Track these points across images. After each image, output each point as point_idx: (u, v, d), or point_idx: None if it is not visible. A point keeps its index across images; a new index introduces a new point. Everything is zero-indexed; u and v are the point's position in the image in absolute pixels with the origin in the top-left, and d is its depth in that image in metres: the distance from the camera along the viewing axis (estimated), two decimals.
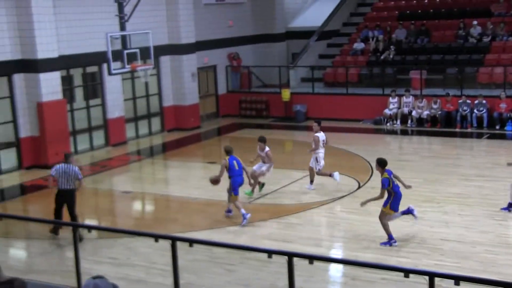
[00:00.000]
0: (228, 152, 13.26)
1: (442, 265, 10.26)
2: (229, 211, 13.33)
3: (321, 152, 14.99)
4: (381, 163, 11.58)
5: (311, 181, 15.09)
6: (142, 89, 22.31)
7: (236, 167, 12.99)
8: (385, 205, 11.43)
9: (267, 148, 14.60)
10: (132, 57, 17.42)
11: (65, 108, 18.94)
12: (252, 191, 14.52)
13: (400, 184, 11.66)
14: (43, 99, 18.12)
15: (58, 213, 12.29)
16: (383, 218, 11.45)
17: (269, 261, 7.14)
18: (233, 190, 12.98)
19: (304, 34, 27.99)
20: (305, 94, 24.66)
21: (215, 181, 13.27)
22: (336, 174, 15.00)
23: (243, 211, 12.73)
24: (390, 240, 11.35)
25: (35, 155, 18.40)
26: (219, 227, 12.83)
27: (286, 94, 24.50)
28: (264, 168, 14.64)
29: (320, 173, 15.04)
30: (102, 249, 11.74)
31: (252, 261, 10.26)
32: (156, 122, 23.16)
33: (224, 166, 13.02)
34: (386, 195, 11.45)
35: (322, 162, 14.97)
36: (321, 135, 15.05)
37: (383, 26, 26.58)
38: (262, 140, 14.68)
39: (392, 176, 11.49)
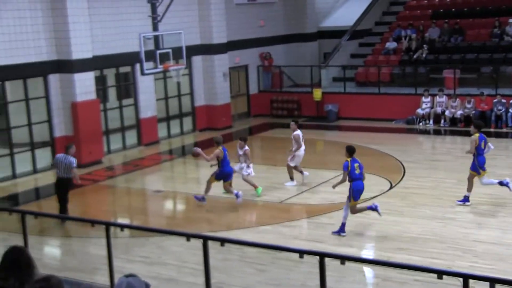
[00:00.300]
0: (218, 143, 14.16)
1: (476, 267, 10.11)
2: (202, 198, 14.19)
3: (302, 149, 15.39)
4: (349, 150, 12.23)
5: (291, 178, 15.50)
6: (174, 89, 22.47)
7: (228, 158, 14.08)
8: (349, 198, 12.05)
9: (246, 147, 14.86)
10: (164, 57, 17.53)
11: (98, 108, 19.18)
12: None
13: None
14: (77, 99, 18.37)
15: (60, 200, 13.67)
16: (354, 210, 12.12)
17: (300, 261, 7.13)
18: (222, 178, 14.07)
19: (336, 33, 27.87)
20: (336, 94, 24.55)
21: (196, 154, 14.42)
22: (306, 173, 15.54)
23: (235, 192, 13.98)
24: (341, 232, 11.99)
25: None
26: (250, 227, 12.86)
27: (317, 93, 24.43)
28: (249, 170, 14.85)
29: (296, 169, 15.44)
30: (134, 247, 11.85)
31: (283, 261, 10.25)
32: (188, 122, 23.31)
33: (216, 155, 13.90)
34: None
35: (297, 160, 15.39)
36: (300, 133, 15.49)
37: (416, 25, 26.32)
38: (244, 139, 15.09)
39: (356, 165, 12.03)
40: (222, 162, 13.96)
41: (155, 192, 16.12)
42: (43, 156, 18.46)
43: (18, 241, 8.65)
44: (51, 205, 15.59)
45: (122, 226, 10.51)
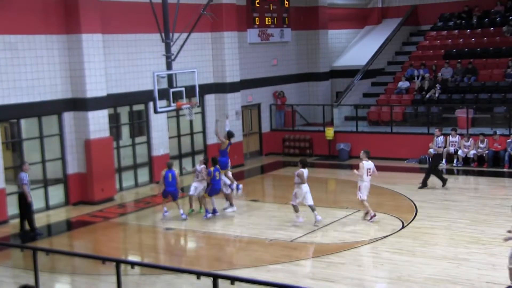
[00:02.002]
0: (169, 166, 16.77)
1: None
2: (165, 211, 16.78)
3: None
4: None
5: (231, 204, 17.03)
6: (187, 127, 22.62)
7: (170, 179, 16.49)
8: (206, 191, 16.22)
9: (203, 165, 16.71)
10: (177, 96, 17.70)
11: (111, 145, 19.32)
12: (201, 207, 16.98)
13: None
14: (90, 136, 18.55)
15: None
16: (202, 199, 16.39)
17: None
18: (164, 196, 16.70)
19: (349, 72, 28.08)
20: (349, 133, 24.59)
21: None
22: (240, 186, 17.60)
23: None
24: (207, 213, 16.29)
25: (82, 191, 18.74)
26: (260, 265, 12.78)
27: (330, 132, 24.48)
28: (199, 188, 16.69)
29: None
30: (145, 285, 11.81)
31: None
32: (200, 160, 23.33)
33: (162, 176, 16.59)
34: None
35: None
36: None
37: (429, 65, 26.45)
38: (206, 160, 17.04)
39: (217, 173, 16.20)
40: (166, 182, 16.45)
41: (166, 230, 16.10)
42: (56, 194, 18.55)
43: (29, 278, 8.65)
44: (63, 242, 15.65)
45: (133, 264, 10.49)
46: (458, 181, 21.21)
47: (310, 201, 15.26)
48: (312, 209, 15.28)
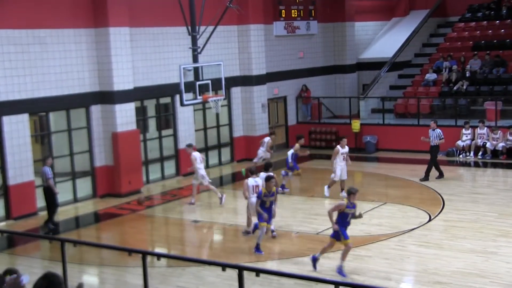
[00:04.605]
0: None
1: None
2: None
3: (200, 168, 17.37)
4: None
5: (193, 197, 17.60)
6: (213, 119, 22.69)
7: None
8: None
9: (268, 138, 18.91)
10: (204, 89, 17.76)
11: (138, 138, 19.47)
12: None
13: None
14: (118, 129, 18.70)
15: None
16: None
17: None
18: None
19: (375, 65, 27.87)
20: (375, 125, 24.44)
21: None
22: (223, 197, 17.43)
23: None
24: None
25: (109, 184, 18.92)
26: (286, 258, 12.79)
27: (356, 125, 24.36)
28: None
29: (209, 188, 17.62)
30: (171, 277, 11.90)
31: None
32: (226, 153, 23.46)
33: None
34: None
35: (206, 177, 17.50)
36: (196, 154, 17.61)
37: (457, 57, 26.14)
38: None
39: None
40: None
41: (193, 222, 16.20)
42: (84, 186, 18.76)
43: (57, 269, 8.77)
44: (90, 234, 15.84)
45: (159, 255, 10.55)
46: (487, 174, 20.98)
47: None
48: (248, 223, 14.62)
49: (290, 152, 18.15)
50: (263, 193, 13.17)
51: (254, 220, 13.85)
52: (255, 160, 19.73)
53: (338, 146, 17.34)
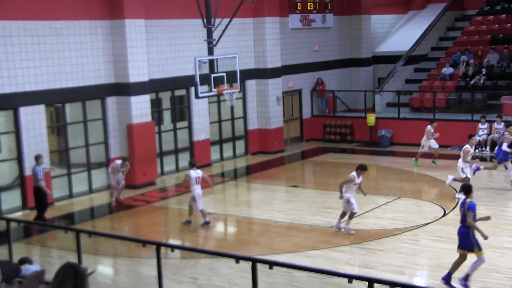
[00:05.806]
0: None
1: None
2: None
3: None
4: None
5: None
6: (228, 112, 22.70)
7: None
8: None
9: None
10: (219, 81, 17.75)
11: (153, 130, 19.54)
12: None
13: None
14: (133, 121, 18.77)
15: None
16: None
17: (349, 286, 7.05)
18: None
19: (391, 58, 27.72)
20: (390, 119, 24.33)
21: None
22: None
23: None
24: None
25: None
26: (299, 251, 12.80)
27: (371, 118, 24.27)
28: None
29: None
30: (185, 268, 11.95)
31: (332, 286, 10.15)
32: (240, 145, 23.47)
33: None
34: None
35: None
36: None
37: (474, 51, 25.93)
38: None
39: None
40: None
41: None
42: (99, 177, 18.87)
43: (73, 259, 8.84)
44: (105, 225, 15.93)
45: (173, 247, 10.59)
46: (502, 169, 20.79)
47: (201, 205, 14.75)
48: (203, 214, 14.85)
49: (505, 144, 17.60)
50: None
51: (196, 209, 14.74)
52: (420, 150, 20.42)
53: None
